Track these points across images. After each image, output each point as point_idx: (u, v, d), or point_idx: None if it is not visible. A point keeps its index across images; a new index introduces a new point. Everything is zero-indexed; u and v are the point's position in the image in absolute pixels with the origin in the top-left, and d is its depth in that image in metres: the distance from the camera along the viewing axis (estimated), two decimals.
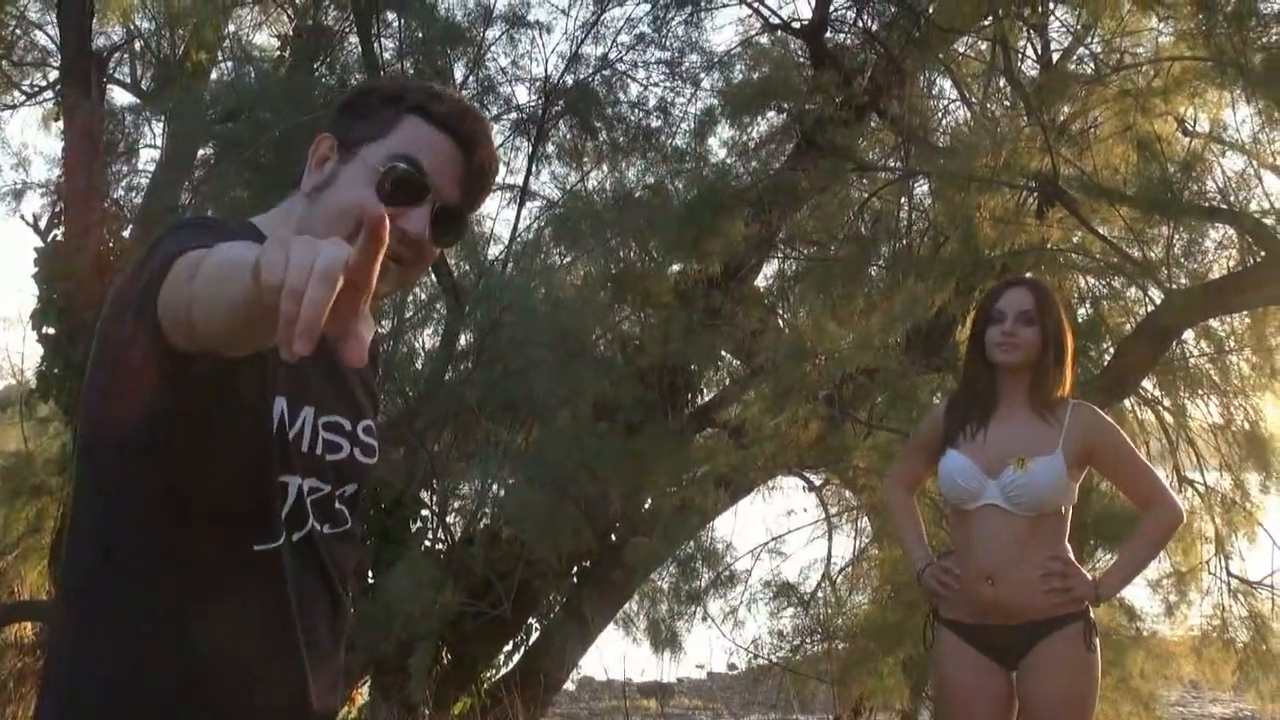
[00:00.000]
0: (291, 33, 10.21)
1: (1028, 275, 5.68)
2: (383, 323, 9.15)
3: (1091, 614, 4.46)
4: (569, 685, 12.82)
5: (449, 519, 9.03)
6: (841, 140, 7.73)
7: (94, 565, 2.15)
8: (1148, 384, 8.81)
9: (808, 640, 8.52)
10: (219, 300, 1.64)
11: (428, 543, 8.93)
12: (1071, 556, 4.49)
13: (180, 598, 2.11)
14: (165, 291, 1.82)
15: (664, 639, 8.92)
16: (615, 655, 10.28)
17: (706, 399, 8.77)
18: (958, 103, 9.63)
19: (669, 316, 8.04)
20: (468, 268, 9.77)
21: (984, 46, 9.59)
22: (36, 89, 12.48)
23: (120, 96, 11.77)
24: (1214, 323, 8.79)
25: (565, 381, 7.61)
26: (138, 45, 11.39)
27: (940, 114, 9.59)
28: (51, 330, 9.55)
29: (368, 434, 2.39)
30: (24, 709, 10.20)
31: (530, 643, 9.53)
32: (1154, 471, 4.71)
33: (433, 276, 9.43)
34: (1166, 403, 9.04)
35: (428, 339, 9.43)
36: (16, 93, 12.59)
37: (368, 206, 1.51)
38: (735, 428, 7.92)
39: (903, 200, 8.73)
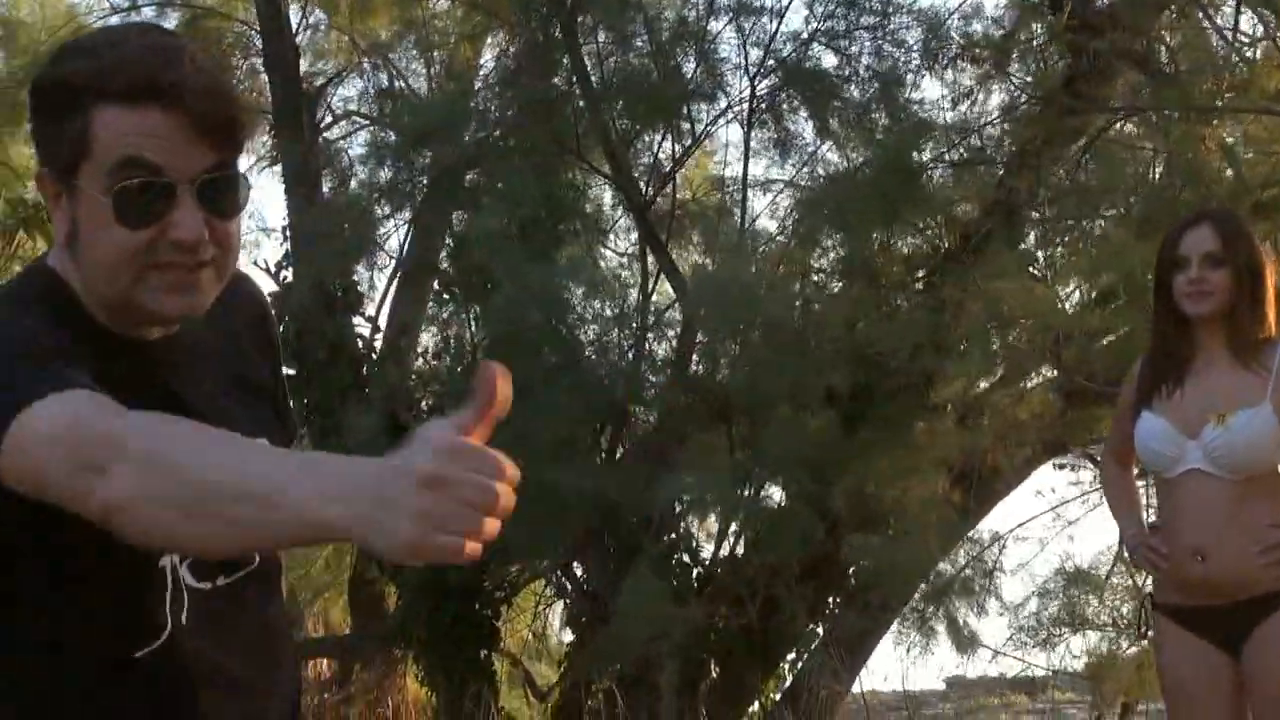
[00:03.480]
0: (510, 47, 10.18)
1: (1211, 209, 4.86)
2: (622, 333, 8.91)
3: None
4: (939, 685, 12.59)
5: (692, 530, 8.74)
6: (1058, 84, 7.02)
7: None
8: None
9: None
10: (216, 530, 1.53)
11: (684, 558, 8.74)
12: None
13: None
14: (24, 471, 1.64)
15: (964, 637, 8.40)
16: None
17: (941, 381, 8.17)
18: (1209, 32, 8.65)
19: (885, 297, 7.52)
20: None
21: None
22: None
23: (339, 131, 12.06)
24: None
25: (776, 375, 7.22)
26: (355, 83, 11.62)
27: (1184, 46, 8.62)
28: (291, 371, 9.61)
29: None
30: None
31: (809, 651, 9.10)
32: None
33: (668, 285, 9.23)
34: None
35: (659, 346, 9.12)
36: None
37: (484, 373, 1.40)
38: (963, 408, 7.31)
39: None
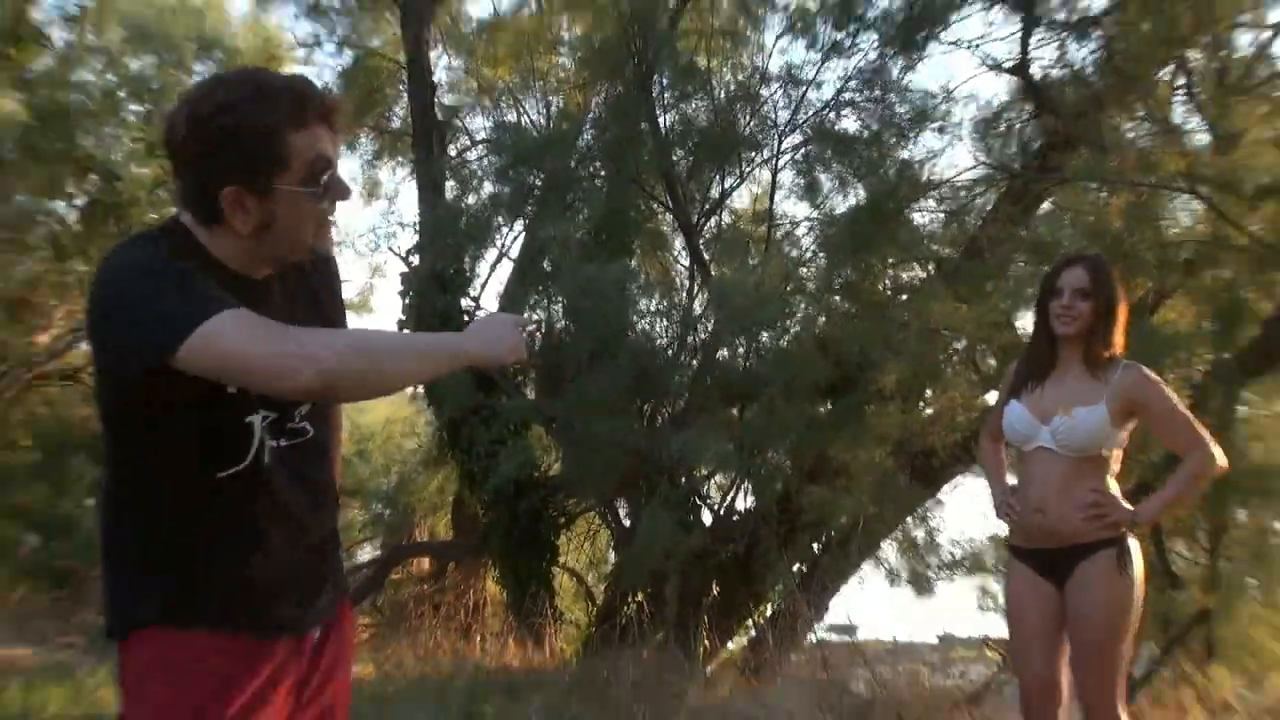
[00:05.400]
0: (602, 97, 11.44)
1: (1087, 253, 5.24)
2: (665, 325, 10.16)
3: (1128, 540, 4.50)
4: (932, 639, 13.15)
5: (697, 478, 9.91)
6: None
7: (115, 494, 2.42)
8: None
9: None
10: (402, 371, 2.24)
11: (694, 500, 9.83)
12: (1116, 492, 4.56)
13: (171, 517, 2.37)
14: (210, 361, 2.10)
15: (924, 587, 9.28)
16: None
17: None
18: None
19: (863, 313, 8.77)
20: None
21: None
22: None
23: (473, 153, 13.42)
24: None
25: (771, 368, 8.49)
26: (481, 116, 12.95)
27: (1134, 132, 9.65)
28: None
29: None
30: (420, 627, 11.44)
31: (788, 584, 9.69)
32: (1194, 423, 4.57)
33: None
34: None
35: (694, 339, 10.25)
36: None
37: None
38: (904, 398, 8.47)
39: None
